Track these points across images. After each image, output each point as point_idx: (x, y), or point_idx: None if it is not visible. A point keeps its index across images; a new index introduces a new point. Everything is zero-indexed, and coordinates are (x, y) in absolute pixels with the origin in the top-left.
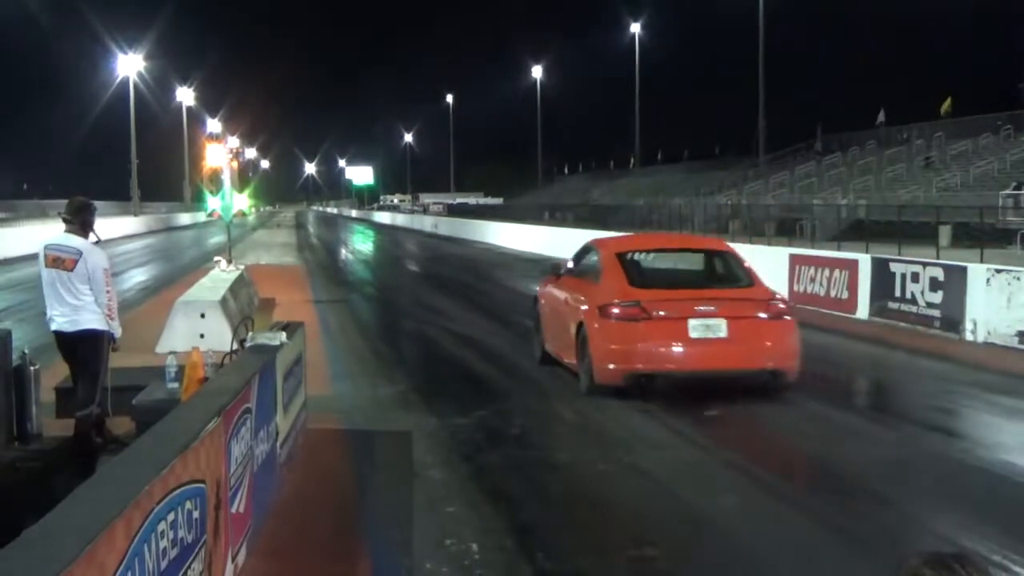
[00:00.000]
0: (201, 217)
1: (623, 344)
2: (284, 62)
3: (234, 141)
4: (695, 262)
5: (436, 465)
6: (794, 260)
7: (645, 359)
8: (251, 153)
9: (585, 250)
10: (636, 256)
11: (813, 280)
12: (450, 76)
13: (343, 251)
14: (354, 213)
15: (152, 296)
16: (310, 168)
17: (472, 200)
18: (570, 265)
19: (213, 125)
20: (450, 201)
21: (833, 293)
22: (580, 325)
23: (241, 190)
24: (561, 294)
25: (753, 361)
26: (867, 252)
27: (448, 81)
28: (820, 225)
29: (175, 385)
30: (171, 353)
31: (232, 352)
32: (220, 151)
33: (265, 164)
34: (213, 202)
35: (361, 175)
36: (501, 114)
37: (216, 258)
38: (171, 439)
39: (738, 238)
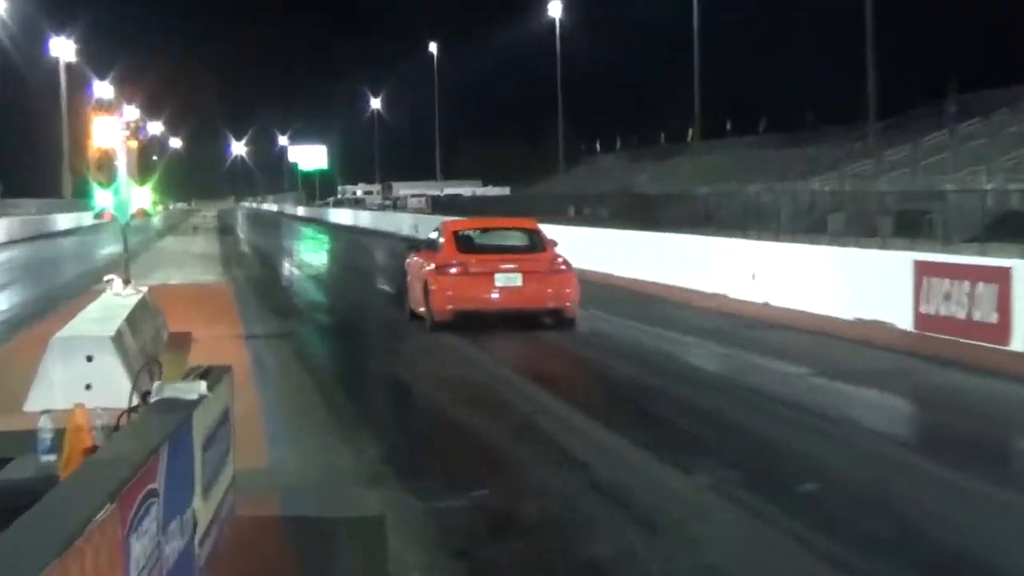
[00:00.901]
0: (87, 219)
1: (450, 291)
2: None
3: (132, 112)
4: (511, 236)
5: (419, 567)
6: (920, 269)
7: (466, 301)
8: (156, 129)
9: (435, 229)
10: (468, 232)
11: (948, 298)
12: (435, 18)
13: (287, 265)
14: (301, 211)
15: (17, 332)
16: (239, 149)
17: (467, 190)
18: (431, 237)
19: (103, 90)
20: (436, 193)
21: (976, 315)
22: (426, 282)
23: (143, 181)
24: (417, 262)
25: (540, 302)
26: None
27: (432, 26)
28: (955, 219)
29: (50, 457)
30: (45, 412)
31: (131, 410)
32: (113, 126)
33: (176, 144)
34: (103, 198)
35: (310, 158)
36: (506, 72)
37: (108, 277)
38: (45, 534)
39: (841, 239)
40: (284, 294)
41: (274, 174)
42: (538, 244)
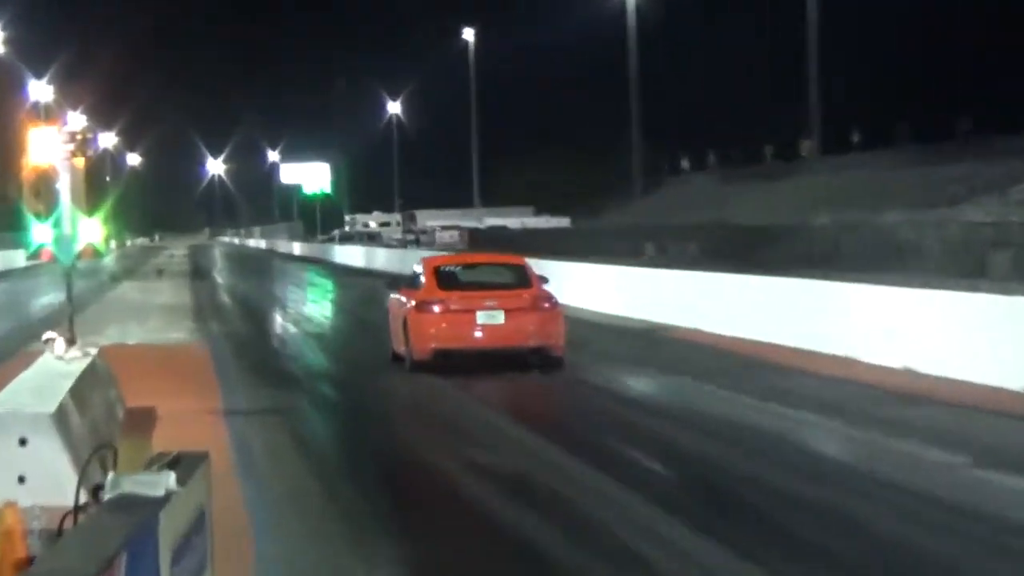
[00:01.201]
0: (20, 259)
1: (428, 329)
2: None
3: (78, 121)
4: (495, 272)
5: None
6: None
7: (447, 339)
8: (108, 142)
9: (417, 264)
10: (450, 267)
11: None
12: (470, 1)
13: (278, 319)
14: (298, 248)
15: None
16: (216, 167)
17: (514, 221)
18: (414, 272)
19: (40, 91)
20: (473, 224)
21: None
22: (405, 320)
23: (92, 210)
24: (397, 300)
25: (523, 340)
26: None
27: (466, 10)
28: None
29: None
30: None
31: (78, 509)
32: (53, 139)
33: (135, 161)
34: (41, 232)
35: (309, 179)
36: (564, 68)
37: (47, 336)
38: None
39: (1008, 285)
40: (275, 357)
41: (262, 200)
42: (524, 280)
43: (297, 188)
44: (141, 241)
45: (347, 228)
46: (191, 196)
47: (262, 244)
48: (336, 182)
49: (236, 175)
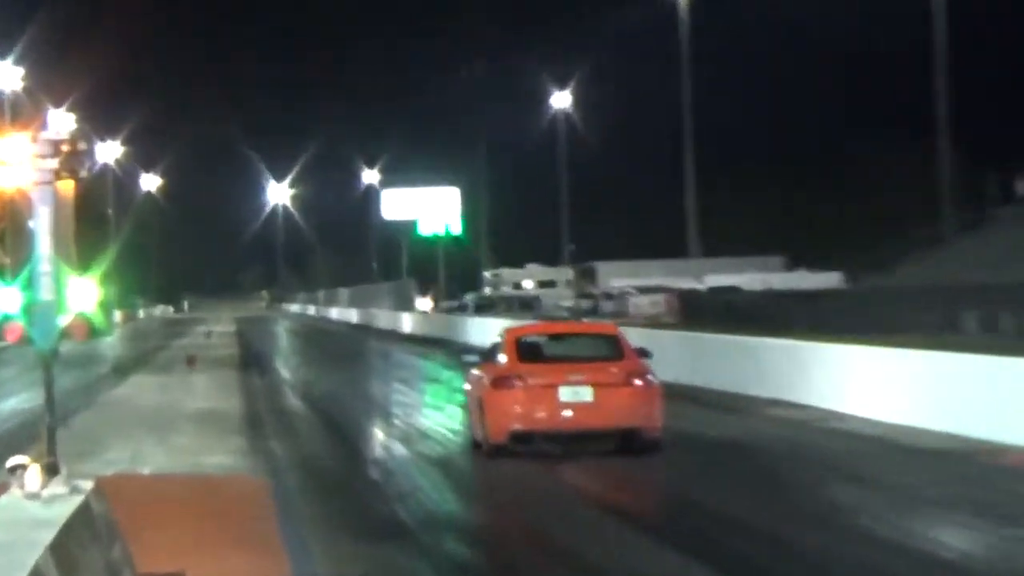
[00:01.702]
0: None
1: (507, 408)
2: None
3: (64, 121)
4: (584, 343)
5: None
6: None
7: (525, 420)
8: (112, 154)
9: (499, 335)
10: (532, 338)
11: None
12: None
13: (379, 434)
14: (408, 323)
15: None
16: (279, 195)
17: (751, 279)
18: (494, 344)
19: (5, 77)
20: (692, 284)
21: None
22: (480, 399)
23: (87, 264)
24: (475, 377)
25: (613, 420)
26: None
27: None
28: None
29: None
30: None
31: None
32: (24, 149)
33: (152, 184)
34: (5, 298)
35: (428, 211)
36: (811, 43)
37: (14, 461)
38: None
39: None
40: (375, 496)
41: (351, 247)
42: (617, 352)
43: (407, 227)
44: (162, 311)
45: (488, 290)
46: (239, 241)
47: (351, 316)
48: (469, 218)
49: (310, 207)
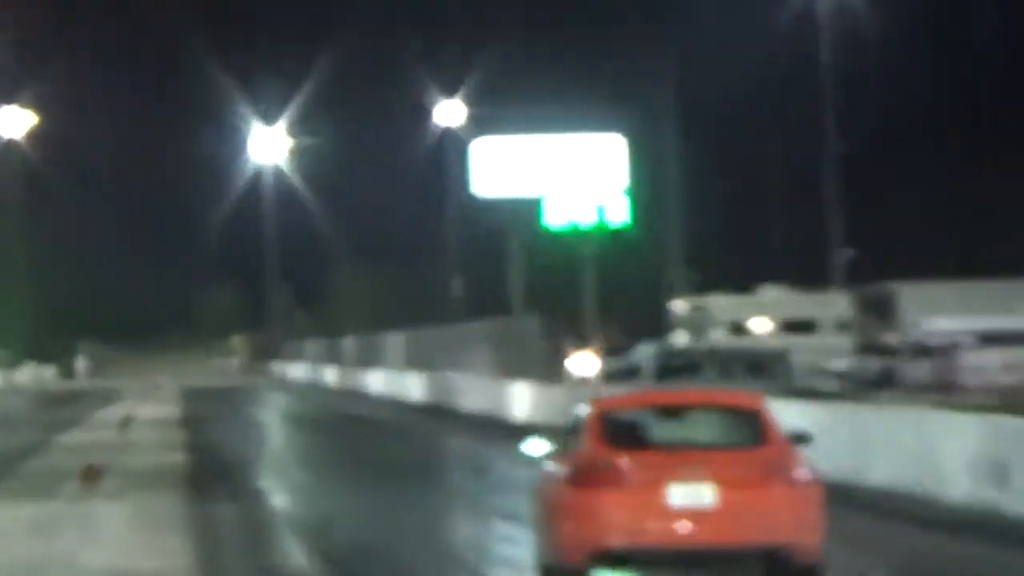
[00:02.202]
0: None
1: (588, 516)
2: None
3: None
4: (703, 419)
5: None
6: None
7: (613, 533)
8: None
9: (579, 408)
10: (625, 413)
11: None
12: None
13: None
14: (528, 403)
15: None
16: (266, 150)
17: None
18: (574, 421)
19: None
20: None
21: None
22: (551, 504)
23: None
24: (547, 473)
25: (750, 535)
26: None
27: None
28: None
29: None
30: None
31: None
32: None
33: (16, 127)
34: None
35: (562, 182)
36: None
37: None
38: None
39: None
40: None
41: (405, 251)
42: (756, 435)
43: (520, 215)
44: (35, 377)
45: (682, 338)
46: (193, 240)
47: (410, 386)
48: (643, 201)
49: (324, 177)
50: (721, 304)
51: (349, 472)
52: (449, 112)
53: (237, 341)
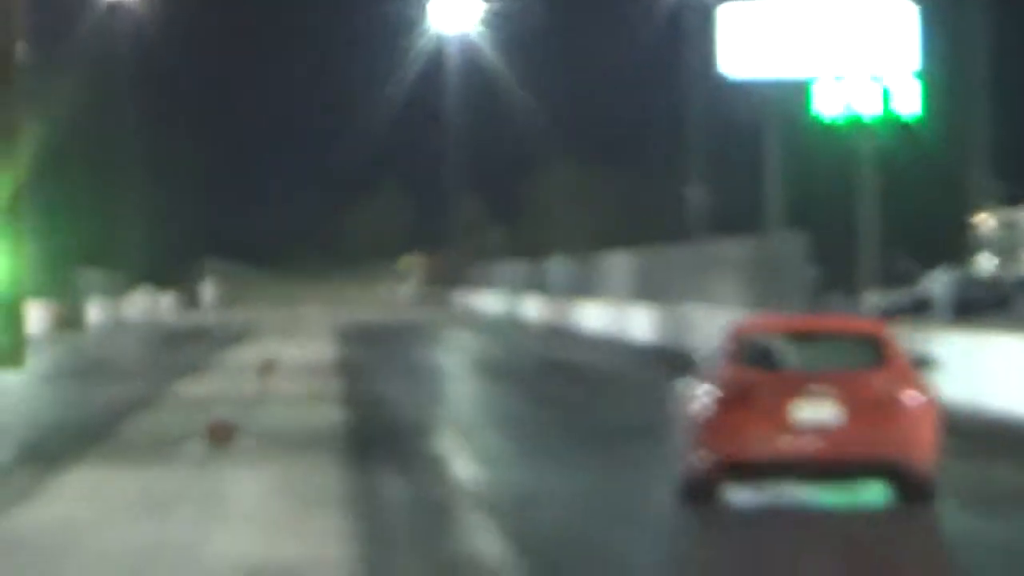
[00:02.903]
0: None
1: (719, 430)
2: None
3: None
4: (832, 345)
5: None
6: None
7: (743, 446)
8: None
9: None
10: (760, 338)
11: None
12: None
13: None
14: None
15: None
16: (452, 20)
17: None
18: (714, 348)
19: None
20: None
21: None
22: (688, 419)
23: None
24: (685, 390)
25: (869, 450)
26: None
27: None
28: None
29: None
30: None
31: None
32: None
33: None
34: None
35: (834, 62)
36: None
37: None
38: None
39: None
40: None
41: (630, 150)
42: (878, 358)
43: (781, 103)
44: (151, 306)
45: (988, 263)
46: (349, 135)
47: (637, 324)
48: (940, 87)
49: (527, 56)
50: None
51: (556, 437)
52: None
53: (408, 263)
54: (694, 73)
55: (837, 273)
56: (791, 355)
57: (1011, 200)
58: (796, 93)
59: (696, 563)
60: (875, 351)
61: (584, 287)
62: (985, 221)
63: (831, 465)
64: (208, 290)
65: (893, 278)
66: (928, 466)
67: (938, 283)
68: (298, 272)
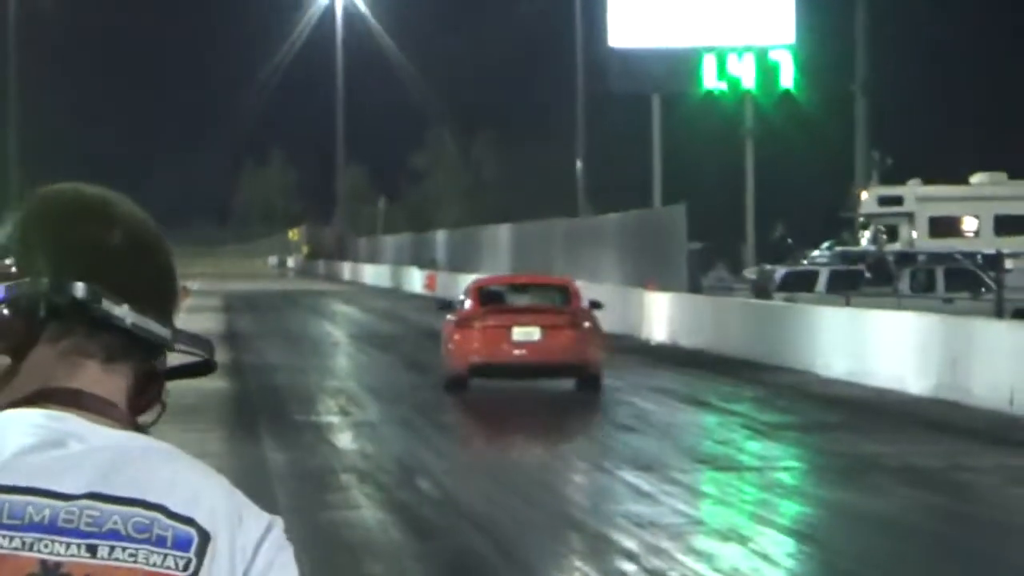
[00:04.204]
0: None
1: (466, 345)
2: None
3: None
4: (538, 292)
5: None
6: None
7: (481, 354)
8: None
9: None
10: (492, 288)
11: None
12: None
13: None
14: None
15: None
16: None
17: None
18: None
19: None
20: None
21: None
22: (447, 338)
23: None
24: (446, 321)
25: (559, 356)
26: None
27: None
28: None
29: None
30: None
31: None
32: None
33: None
34: None
35: (720, 27)
36: None
37: None
38: None
39: None
40: None
41: (516, 117)
42: (567, 301)
43: (672, 72)
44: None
45: (864, 238)
46: (235, 103)
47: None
48: (820, 57)
49: (419, 21)
50: (920, 195)
51: (444, 410)
52: None
53: (295, 235)
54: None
55: (720, 247)
56: (512, 298)
57: (892, 175)
58: (682, 64)
59: (448, 414)
60: (564, 296)
61: (469, 260)
62: (865, 196)
63: (536, 367)
64: None
65: (773, 252)
66: (597, 367)
67: (818, 258)
68: (185, 243)
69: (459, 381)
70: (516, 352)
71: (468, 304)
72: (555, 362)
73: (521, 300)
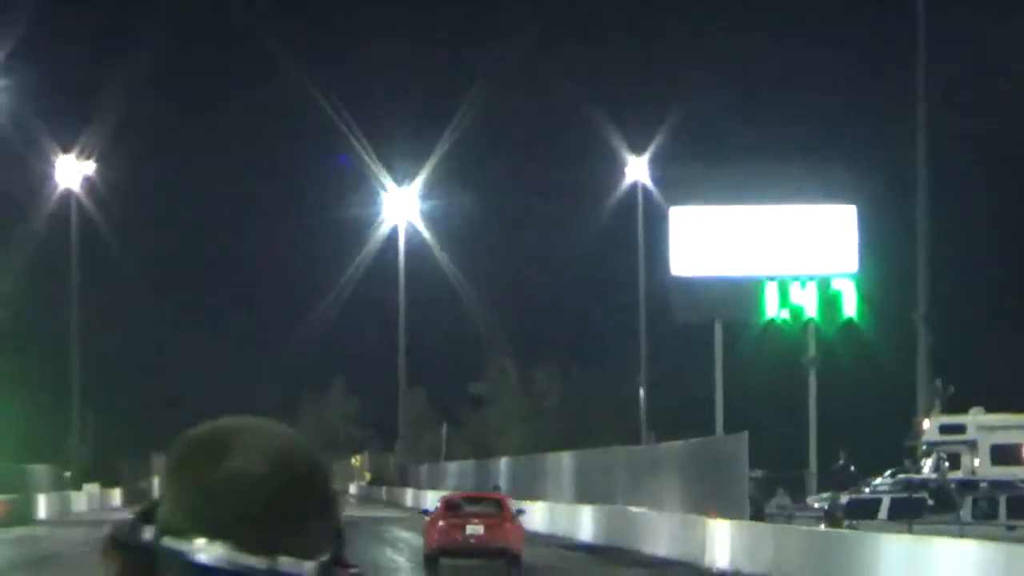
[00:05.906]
0: None
1: (434, 534)
2: None
3: None
4: (484, 503)
5: None
6: None
7: (443, 541)
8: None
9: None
10: (455, 500)
11: None
12: None
13: None
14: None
15: None
16: (400, 210)
17: None
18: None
19: None
20: None
21: None
22: (424, 531)
23: None
24: (425, 520)
25: (496, 544)
26: None
27: None
28: None
29: None
30: None
31: None
32: None
33: (77, 175)
34: None
35: (786, 260)
36: None
37: None
38: None
39: None
40: None
41: (568, 346)
42: (500, 509)
43: (735, 300)
44: (109, 503)
45: (926, 467)
46: (298, 329)
47: (582, 522)
48: (881, 287)
49: (479, 252)
50: (981, 424)
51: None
52: (636, 175)
53: (357, 461)
54: (644, 273)
55: (781, 474)
56: (466, 507)
57: (954, 404)
58: (744, 293)
59: None
60: (499, 506)
61: (529, 487)
62: (927, 425)
63: (482, 550)
64: (155, 485)
65: (836, 480)
66: (519, 552)
67: (881, 487)
68: None
69: (432, 559)
70: (469, 540)
71: (438, 509)
72: (493, 547)
73: (472, 508)
